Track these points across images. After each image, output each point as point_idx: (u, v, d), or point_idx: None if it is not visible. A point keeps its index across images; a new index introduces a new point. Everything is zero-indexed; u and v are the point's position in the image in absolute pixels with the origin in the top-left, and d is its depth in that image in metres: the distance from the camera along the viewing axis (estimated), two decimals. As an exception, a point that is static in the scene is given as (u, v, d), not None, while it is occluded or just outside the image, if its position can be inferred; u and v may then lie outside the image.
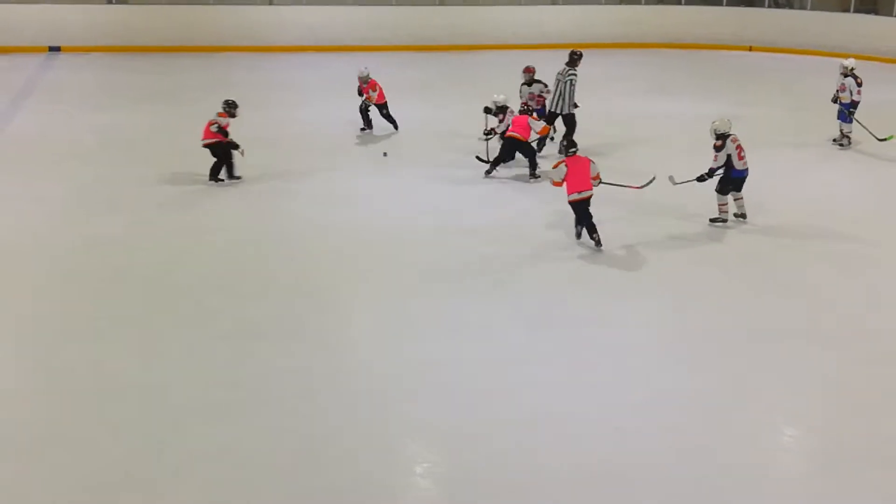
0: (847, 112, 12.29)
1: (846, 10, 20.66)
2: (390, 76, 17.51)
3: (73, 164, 11.23)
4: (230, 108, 10.68)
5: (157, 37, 19.42)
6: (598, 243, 8.59)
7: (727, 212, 9.44)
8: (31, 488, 5.08)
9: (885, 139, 12.06)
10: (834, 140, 12.64)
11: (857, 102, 12.26)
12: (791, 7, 22.28)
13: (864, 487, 5.24)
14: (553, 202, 10.08)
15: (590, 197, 8.67)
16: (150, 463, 5.31)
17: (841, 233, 9.32)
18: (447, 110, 14.54)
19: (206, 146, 10.38)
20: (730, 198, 9.45)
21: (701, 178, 9.43)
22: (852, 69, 12.26)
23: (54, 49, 19.02)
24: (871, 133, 12.19)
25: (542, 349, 6.73)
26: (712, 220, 9.43)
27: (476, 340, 6.84)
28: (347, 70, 16.01)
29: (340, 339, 6.89)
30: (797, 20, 21.15)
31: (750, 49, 21.02)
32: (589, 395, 6.11)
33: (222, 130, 10.44)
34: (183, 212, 9.63)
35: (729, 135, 9.24)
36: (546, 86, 12.08)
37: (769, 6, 21.69)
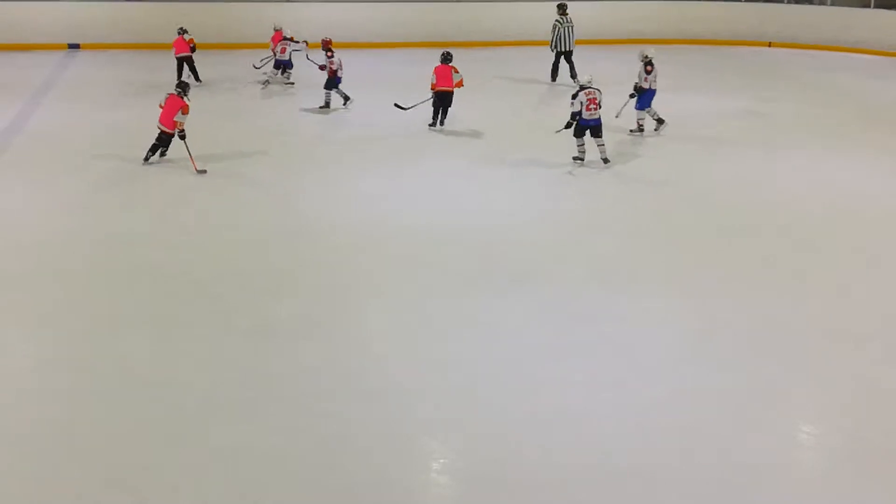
0: (636, 98, 12.30)
1: (867, 4, 20.47)
2: (408, 73, 17.53)
3: (92, 160, 11.29)
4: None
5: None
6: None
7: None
8: (52, 484, 5.11)
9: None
10: (631, 130, 12.61)
11: (647, 90, 12.23)
12: (811, 2, 22.11)
13: (893, 488, 5.20)
14: (570, 201, 10.07)
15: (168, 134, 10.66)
16: (169, 460, 5.33)
17: (868, 229, 9.24)
18: (464, 107, 14.49)
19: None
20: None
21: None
22: (646, 57, 12.19)
23: (74, 46, 19.14)
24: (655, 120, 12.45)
25: (560, 347, 6.71)
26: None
27: (493, 339, 6.83)
28: (364, 67, 16.05)
29: (357, 338, 6.89)
30: (817, 15, 20.98)
31: (769, 45, 20.87)
32: (608, 393, 6.08)
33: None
34: (202, 208, 9.67)
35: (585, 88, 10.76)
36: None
37: (790, 1, 21.54)
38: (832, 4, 20.88)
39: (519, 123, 13.68)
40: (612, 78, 13.88)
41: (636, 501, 5.05)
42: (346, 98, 14.09)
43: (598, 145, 11.10)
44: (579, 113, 10.81)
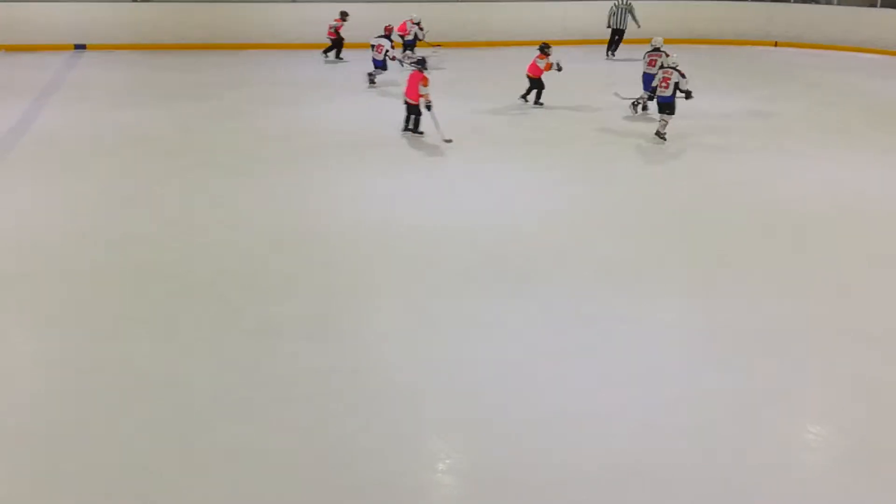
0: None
1: (873, 4, 20.43)
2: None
3: (97, 161, 11.30)
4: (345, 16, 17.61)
5: (182, 35, 19.56)
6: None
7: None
8: (56, 485, 5.11)
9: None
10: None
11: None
12: (817, 2, 22.06)
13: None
14: (575, 201, 10.06)
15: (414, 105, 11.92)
16: (176, 461, 5.33)
17: (875, 228, 9.22)
18: (470, 107, 14.50)
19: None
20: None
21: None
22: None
23: (80, 47, 19.18)
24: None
25: (569, 348, 6.69)
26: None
27: (498, 339, 6.81)
28: (370, 67, 16.05)
29: (365, 338, 6.88)
30: (823, 15, 20.94)
31: (775, 44, 20.83)
32: (616, 394, 6.06)
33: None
34: (206, 209, 9.67)
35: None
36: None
37: (796, 1, 21.49)
38: (838, 4, 20.84)
39: (523, 124, 13.66)
40: (624, 77, 13.85)
41: (645, 502, 5.03)
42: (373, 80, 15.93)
43: (661, 120, 12.21)
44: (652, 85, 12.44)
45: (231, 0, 20.04)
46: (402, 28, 18.07)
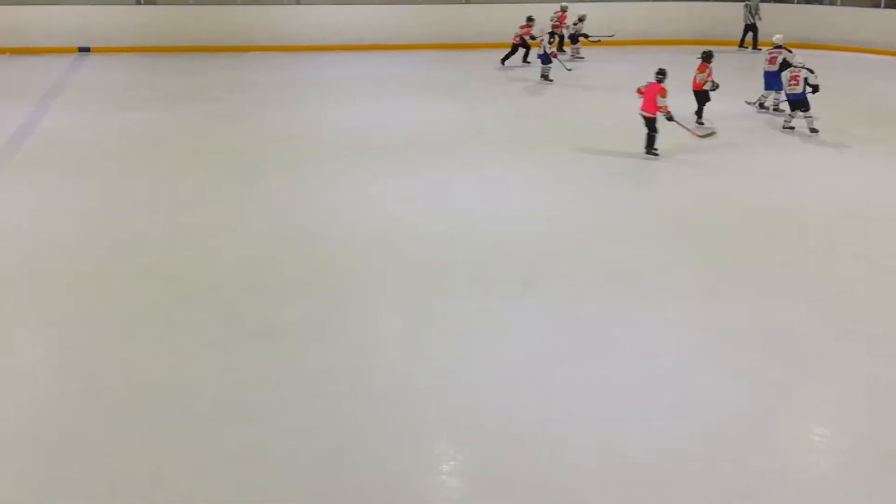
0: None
1: (877, 5, 20.40)
2: (417, 75, 17.57)
3: (101, 163, 11.33)
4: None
5: (185, 37, 19.62)
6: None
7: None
8: (59, 489, 5.11)
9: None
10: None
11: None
12: (821, 3, 22.05)
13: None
14: (581, 203, 10.05)
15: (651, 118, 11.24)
16: (178, 463, 5.33)
17: (880, 229, 9.20)
18: (474, 109, 14.52)
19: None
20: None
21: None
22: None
23: (84, 50, 19.24)
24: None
25: (571, 349, 6.68)
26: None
27: (504, 340, 6.81)
28: (373, 69, 16.08)
29: (367, 340, 6.88)
30: (827, 16, 20.93)
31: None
32: (619, 396, 6.05)
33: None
34: (209, 211, 9.69)
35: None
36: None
37: (800, 1, 21.49)
38: (842, 5, 20.81)
39: (527, 125, 13.68)
40: (626, 79, 13.85)
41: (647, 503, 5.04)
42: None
43: (806, 118, 12.73)
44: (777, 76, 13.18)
45: (235, 2, 20.08)
46: (563, 20, 18.94)
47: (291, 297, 7.56)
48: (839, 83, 16.79)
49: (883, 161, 11.79)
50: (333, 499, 5.04)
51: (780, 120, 13.59)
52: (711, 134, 11.88)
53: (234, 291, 7.68)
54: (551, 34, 17.17)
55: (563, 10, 19.37)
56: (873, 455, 5.50)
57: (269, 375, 6.27)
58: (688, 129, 11.68)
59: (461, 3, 21.29)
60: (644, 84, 11.43)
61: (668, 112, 11.30)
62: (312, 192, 10.27)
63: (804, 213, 9.70)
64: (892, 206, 10.01)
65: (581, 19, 19.47)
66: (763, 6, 21.45)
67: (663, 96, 11.19)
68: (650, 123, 11.47)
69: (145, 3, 20.00)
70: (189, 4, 19.99)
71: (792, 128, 13.08)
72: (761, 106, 14.43)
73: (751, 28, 20.70)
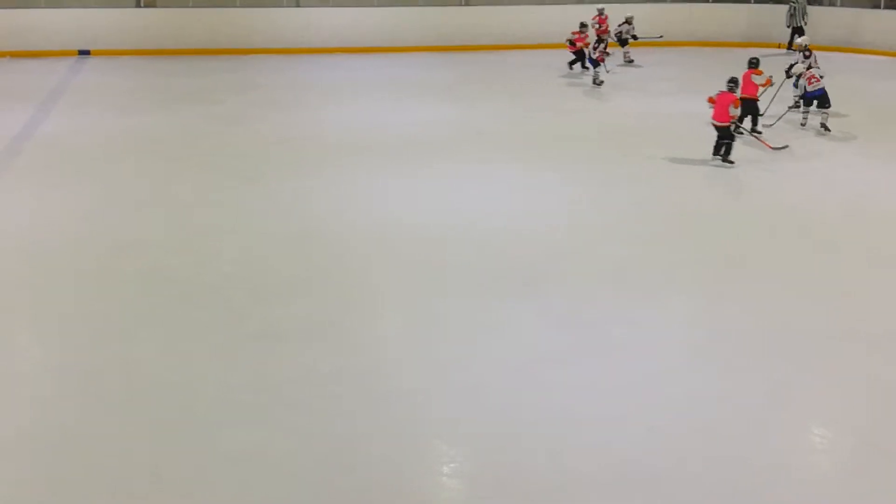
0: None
1: (876, 6, 20.40)
2: (416, 77, 17.58)
3: (102, 165, 11.33)
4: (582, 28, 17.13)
5: (186, 40, 19.61)
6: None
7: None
8: (60, 489, 5.11)
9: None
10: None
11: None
12: (821, 4, 22.04)
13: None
14: (582, 204, 10.05)
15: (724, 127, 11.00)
16: (179, 464, 5.33)
17: (881, 229, 9.20)
18: (474, 110, 14.52)
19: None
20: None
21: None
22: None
23: (84, 53, 19.24)
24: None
25: (572, 349, 6.68)
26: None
27: (505, 340, 6.81)
28: (373, 71, 16.09)
29: (368, 340, 6.88)
30: (827, 17, 20.90)
31: (779, 46, 20.80)
32: (619, 396, 6.05)
33: None
34: (210, 212, 9.69)
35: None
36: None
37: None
38: (841, 6, 20.81)
39: (528, 126, 13.67)
40: (628, 81, 13.85)
41: None
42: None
43: (822, 113, 12.83)
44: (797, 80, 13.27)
45: (235, 5, 20.10)
46: (602, 22, 18.24)
47: (292, 297, 7.56)
48: (839, 84, 16.72)
49: (884, 161, 11.78)
50: (333, 499, 5.04)
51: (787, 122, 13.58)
52: (785, 147, 11.80)
53: (234, 292, 7.68)
54: (598, 39, 16.90)
55: (600, 12, 18.50)
56: (874, 455, 5.50)
57: (269, 376, 6.27)
58: (761, 139, 11.84)
59: (460, 5, 21.30)
60: (715, 93, 11.29)
61: (737, 123, 11.42)
62: (313, 193, 10.27)
63: (805, 212, 9.69)
64: (893, 206, 10.00)
65: (628, 20, 18.64)
66: (764, 6, 21.42)
67: (736, 107, 11.04)
68: (724, 131, 11.21)
69: (145, 6, 20.00)
70: (189, 7, 20.00)
71: (803, 124, 13.16)
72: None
73: (797, 31, 19.64)
